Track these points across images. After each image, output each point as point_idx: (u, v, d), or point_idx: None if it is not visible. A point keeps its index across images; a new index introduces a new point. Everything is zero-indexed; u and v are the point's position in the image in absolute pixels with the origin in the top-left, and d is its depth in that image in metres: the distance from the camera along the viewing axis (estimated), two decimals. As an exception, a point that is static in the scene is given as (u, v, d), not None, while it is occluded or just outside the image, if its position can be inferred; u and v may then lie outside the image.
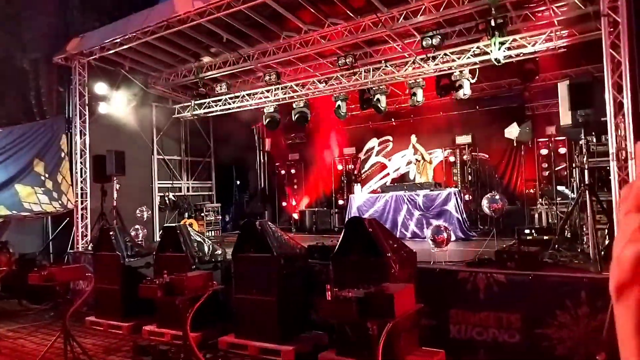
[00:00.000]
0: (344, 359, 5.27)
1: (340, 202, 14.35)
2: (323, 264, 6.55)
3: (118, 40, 9.93)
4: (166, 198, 12.93)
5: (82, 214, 10.72)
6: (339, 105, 11.24)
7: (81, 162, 10.79)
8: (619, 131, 5.86)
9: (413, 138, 11.65)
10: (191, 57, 11.17)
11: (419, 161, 11.61)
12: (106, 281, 7.64)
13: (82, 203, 10.73)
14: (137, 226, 10.67)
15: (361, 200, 11.54)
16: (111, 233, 8.06)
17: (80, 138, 10.82)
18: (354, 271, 5.62)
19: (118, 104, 11.32)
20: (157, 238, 11.66)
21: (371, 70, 10.22)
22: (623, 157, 5.79)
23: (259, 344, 5.95)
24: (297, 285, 6.41)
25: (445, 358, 5.35)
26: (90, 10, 11.22)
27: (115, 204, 10.41)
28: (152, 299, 6.38)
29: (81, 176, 10.77)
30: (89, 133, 10.89)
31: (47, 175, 11.04)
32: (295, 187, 15.62)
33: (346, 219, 9.66)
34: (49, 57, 10.86)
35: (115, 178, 10.42)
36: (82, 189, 10.77)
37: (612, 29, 5.93)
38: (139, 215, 11.17)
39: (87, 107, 10.91)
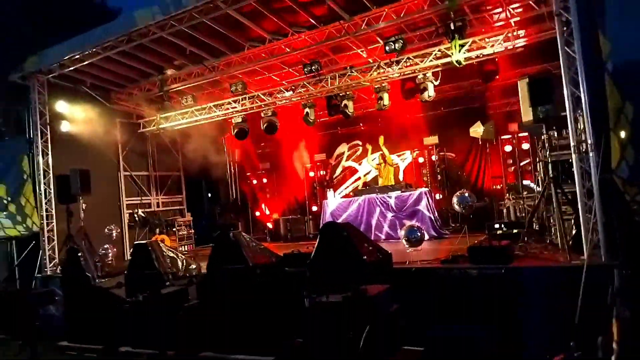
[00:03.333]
0: (325, 365, 5.24)
1: (314, 208, 14.35)
2: (300, 271, 6.53)
3: (77, 56, 9.72)
4: (135, 215, 12.64)
5: (48, 237, 10.39)
6: (307, 113, 11.27)
7: (44, 183, 10.47)
8: (579, 124, 6.09)
9: (380, 140, 11.80)
10: (154, 70, 11.00)
11: (380, 164, 11.76)
12: (77, 304, 7.40)
13: (47, 225, 10.41)
14: (106, 245, 10.42)
15: (334, 205, 11.58)
16: (79, 254, 7.84)
17: (43, 158, 10.51)
18: (331, 276, 5.63)
19: (80, 121, 11.02)
20: (128, 256, 11.36)
21: (337, 76, 10.30)
22: (584, 149, 6.00)
23: (239, 357, 5.87)
24: (275, 294, 6.36)
25: (423, 356, 5.39)
26: (48, 27, 10.94)
27: (82, 224, 10.12)
28: (126, 319, 6.25)
29: (45, 197, 10.45)
30: (52, 153, 10.59)
31: (9, 199, 10.66)
32: (268, 196, 15.55)
33: (320, 225, 9.66)
34: (5, 76, 10.50)
35: (81, 198, 10.14)
36: (47, 210, 10.45)
37: (565, 28, 6.18)
38: (107, 234, 10.89)
39: (48, 126, 10.61)
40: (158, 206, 13.81)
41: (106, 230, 10.87)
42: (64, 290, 7.84)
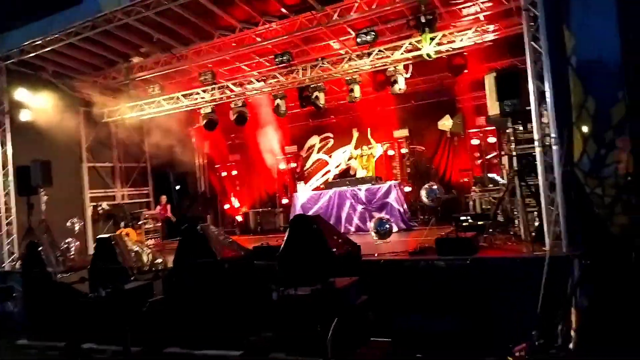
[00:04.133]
0: (293, 358, 5.22)
1: (285, 200, 14.27)
2: (269, 265, 6.48)
3: (39, 42, 9.35)
4: (99, 208, 12.29)
5: (7, 230, 10.06)
6: (278, 104, 11.15)
7: (3, 175, 10.10)
8: (543, 119, 6.22)
9: (368, 131, 11.84)
10: (120, 57, 10.67)
11: (362, 156, 11.78)
12: (37, 300, 7.14)
13: (6, 218, 10.07)
14: (68, 239, 10.12)
15: (305, 198, 11.55)
16: (40, 249, 7.54)
17: (1, 148, 10.13)
18: (300, 269, 5.60)
19: (42, 110, 10.59)
20: (91, 251, 11.05)
21: (309, 67, 10.21)
22: (547, 143, 6.14)
23: (206, 352, 5.78)
24: (244, 288, 6.29)
25: (392, 348, 5.44)
26: (8, 10, 10.42)
27: (43, 218, 9.79)
28: (90, 315, 6.07)
29: (4, 190, 10.11)
30: (11, 143, 10.22)
31: (-36, 191, 10.17)
32: (238, 188, 15.35)
33: (291, 218, 9.62)
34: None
35: (42, 190, 9.79)
36: (5, 203, 10.11)
37: (532, 23, 6.28)
38: (70, 227, 10.55)
39: (7, 115, 10.21)
40: (123, 198, 13.46)
41: (68, 223, 10.52)
42: (23, 287, 7.54)
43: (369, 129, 12.00)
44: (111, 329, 5.96)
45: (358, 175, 11.72)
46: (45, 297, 7.15)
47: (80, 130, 12.18)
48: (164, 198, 12.81)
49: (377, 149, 12.05)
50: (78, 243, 10.37)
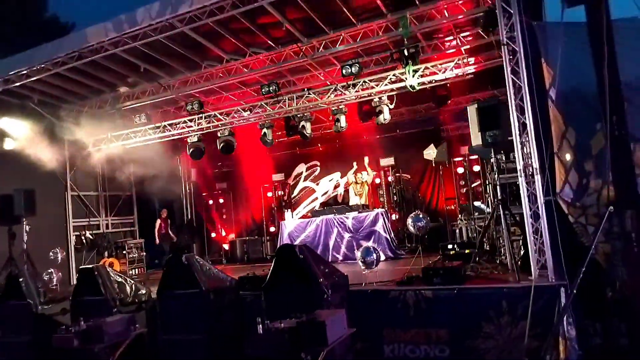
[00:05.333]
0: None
1: (272, 229, 14.21)
2: (255, 295, 6.40)
3: (25, 71, 9.32)
4: (83, 237, 12.08)
5: (-14, 261, 9.74)
6: (264, 133, 11.22)
7: (-15, 204, 9.87)
8: (525, 149, 6.35)
9: (365, 160, 12.05)
10: (106, 87, 10.69)
11: (357, 183, 11.88)
12: (15, 333, 6.92)
13: (-14, 248, 9.78)
14: (50, 270, 9.88)
15: (292, 226, 11.51)
16: (21, 279, 7.35)
17: (-17, 177, 9.94)
18: (286, 300, 5.55)
19: (26, 138, 10.49)
20: (74, 281, 10.80)
21: (295, 97, 10.34)
22: (530, 173, 6.25)
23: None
24: (229, 319, 6.20)
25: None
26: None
27: (25, 247, 9.58)
28: (69, 349, 5.88)
29: (-15, 219, 9.84)
30: (-6, 172, 10.05)
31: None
32: (224, 217, 15.25)
33: (277, 247, 9.56)
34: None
35: (24, 219, 9.61)
36: (-14, 232, 9.82)
37: (511, 57, 6.48)
38: (52, 257, 10.33)
39: (-10, 144, 10.08)
40: (107, 227, 13.26)
41: (51, 254, 10.31)
42: (2, 318, 7.31)
43: (366, 158, 12.15)
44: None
45: (351, 202, 11.78)
46: (23, 329, 6.94)
47: (65, 158, 12.06)
48: (164, 212, 12.66)
49: (370, 177, 12.16)
50: (60, 274, 10.13)
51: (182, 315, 5.96)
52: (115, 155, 12.70)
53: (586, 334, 5.61)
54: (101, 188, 13.27)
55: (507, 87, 6.44)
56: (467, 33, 8.96)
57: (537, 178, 6.11)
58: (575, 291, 4.80)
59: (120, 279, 6.97)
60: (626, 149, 5.05)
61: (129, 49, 8.64)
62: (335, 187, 14.02)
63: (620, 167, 4.99)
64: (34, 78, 9.45)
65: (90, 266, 7.20)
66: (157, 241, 12.39)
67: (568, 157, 6.45)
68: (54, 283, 9.75)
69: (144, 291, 7.08)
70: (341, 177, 12.39)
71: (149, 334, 5.91)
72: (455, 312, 5.94)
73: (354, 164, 12.32)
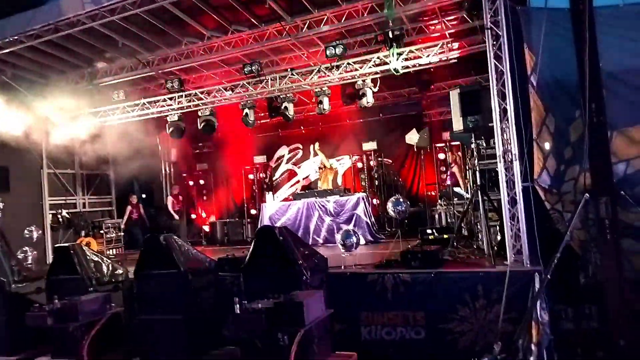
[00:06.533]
0: (256, 373, 5.13)
1: (253, 211, 14.15)
2: (234, 276, 6.37)
3: (-4, 43, 8.98)
4: (59, 216, 11.85)
5: (-43, 238, 9.48)
6: (246, 114, 11.06)
7: (-45, 180, 9.58)
8: (505, 135, 6.40)
9: (316, 145, 11.93)
10: (84, 62, 10.38)
11: (321, 169, 11.88)
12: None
13: (-43, 226, 9.50)
14: (25, 248, 9.68)
15: (273, 209, 11.47)
16: (-7, 258, 7.19)
17: (-46, 153, 9.63)
18: (265, 281, 5.53)
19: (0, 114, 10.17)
20: (49, 260, 10.62)
21: (278, 78, 10.18)
22: (509, 159, 6.31)
23: (166, 365, 5.62)
24: (207, 300, 6.16)
25: (357, 360, 5.42)
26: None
27: (-1, 225, 9.34)
28: (44, 328, 5.80)
29: (-44, 196, 9.55)
30: (-35, 148, 9.74)
31: None
32: (205, 198, 15.11)
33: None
34: None
35: (-3, 196, 9.37)
36: (-43, 210, 9.54)
37: (494, 42, 6.48)
38: (27, 236, 10.12)
39: (-39, 119, 9.74)
40: (84, 207, 13.04)
41: (26, 232, 10.09)
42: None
43: (315, 143, 12.35)
44: (66, 341, 5.73)
45: (319, 188, 11.80)
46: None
47: (40, 135, 11.74)
48: (134, 197, 12.48)
49: (327, 163, 12.13)
50: (35, 252, 9.95)
51: (160, 296, 5.90)
52: (93, 133, 12.41)
53: (559, 318, 5.76)
54: (78, 166, 12.99)
55: (490, 72, 6.46)
56: (452, 17, 8.90)
57: (516, 164, 6.18)
58: (549, 277, 4.89)
59: (96, 259, 6.86)
60: (604, 136, 5.11)
61: (107, 23, 8.38)
62: (317, 170, 14.00)
63: (597, 154, 5.06)
64: (6, 50, 9.12)
65: (66, 244, 7.07)
66: (123, 226, 12.25)
67: (547, 144, 6.52)
68: (29, 262, 9.57)
69: (121, 271, 6.99)
70: (314, 162, 12.44)
71: (126, 314, 5.86)
72: (431, 295, 6.03)
73: (311, 150, 12.35)
